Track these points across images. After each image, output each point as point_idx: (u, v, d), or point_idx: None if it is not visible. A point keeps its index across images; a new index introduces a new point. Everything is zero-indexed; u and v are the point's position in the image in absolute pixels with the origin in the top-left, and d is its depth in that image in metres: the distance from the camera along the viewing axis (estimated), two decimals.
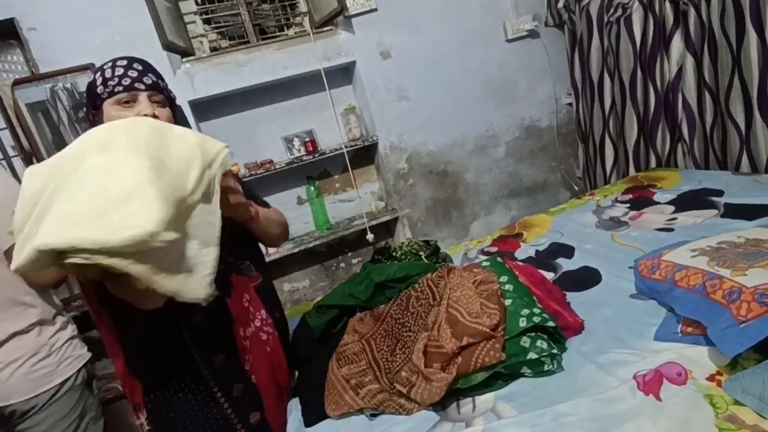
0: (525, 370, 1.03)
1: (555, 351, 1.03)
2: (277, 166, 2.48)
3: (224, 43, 2.58)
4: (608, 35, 2.38)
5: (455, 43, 2.68)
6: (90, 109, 1.04)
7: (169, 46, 2.01)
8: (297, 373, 1.26)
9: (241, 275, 1.11)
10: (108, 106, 1.00)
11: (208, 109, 2.45)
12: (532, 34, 2.81)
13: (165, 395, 1.03)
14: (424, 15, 2.60)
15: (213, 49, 2.52)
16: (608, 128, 2.56)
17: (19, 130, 1.96)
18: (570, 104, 2.90)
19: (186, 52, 2.25)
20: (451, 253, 1.89)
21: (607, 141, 2.58)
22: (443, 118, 2.74)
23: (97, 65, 2.02)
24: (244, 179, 2.22)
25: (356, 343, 1.22)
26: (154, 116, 1.00)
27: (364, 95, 2.61)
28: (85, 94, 1.01)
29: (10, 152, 2.00)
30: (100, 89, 1.00)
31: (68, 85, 2.09)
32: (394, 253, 1.79)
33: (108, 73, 1.00)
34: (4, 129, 1.96)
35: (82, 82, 2.10)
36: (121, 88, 0.99)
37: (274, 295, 1.30)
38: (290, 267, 2.76)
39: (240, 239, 1.12)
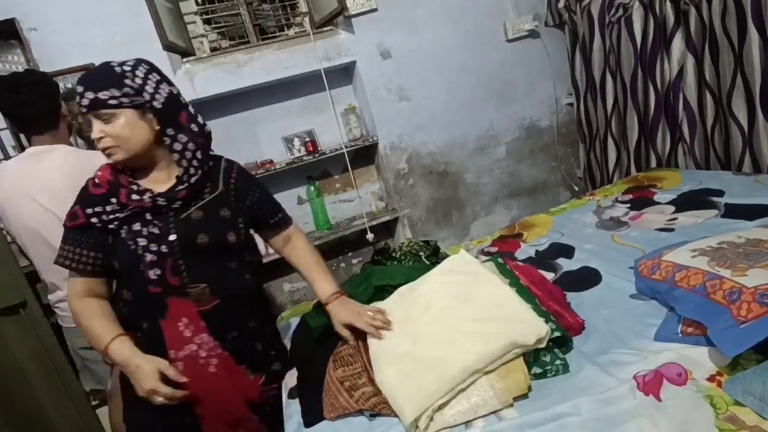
0: None
1: (559, 362, 1.01)
2: (278, 167, 2.48)
3: (224, 43, 2.58)
4: (609, 35, 2.38)
5: (455, 43, 2.68)
6: None
7: (169, 47, 2.01)
8: (297, 373, 1.26)
9: (183, 298, 1.10)
10: None
11: (209, 109, 2.44)
12: (533, 34, 2.80)
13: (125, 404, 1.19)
14: (424, 15, 2.60)
15: (213, 49, 2.52)
16: (611, 128, 2.55)
17: None
18: (570, 104, 2.90)
19: (186, 53, 2.25)
20: (451, 253, 1.88)
21: (610, 141, 2.58)
22: (443, 118, 2.74)
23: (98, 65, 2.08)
24: None
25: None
26: (99, 139, 1.04)
27: (364, 95, 2.61)
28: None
29: (11, 152, 2.00)
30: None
31: (69, 86, 2.09)
32: (394, 254, 1.78)
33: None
34: (4, 129, 1.96)
35: None
36: (84, 110, 1.04)
37: (261, 307, 1.32)
38: (290, 267, 2.74)
39: (214, 257, 1.14)
